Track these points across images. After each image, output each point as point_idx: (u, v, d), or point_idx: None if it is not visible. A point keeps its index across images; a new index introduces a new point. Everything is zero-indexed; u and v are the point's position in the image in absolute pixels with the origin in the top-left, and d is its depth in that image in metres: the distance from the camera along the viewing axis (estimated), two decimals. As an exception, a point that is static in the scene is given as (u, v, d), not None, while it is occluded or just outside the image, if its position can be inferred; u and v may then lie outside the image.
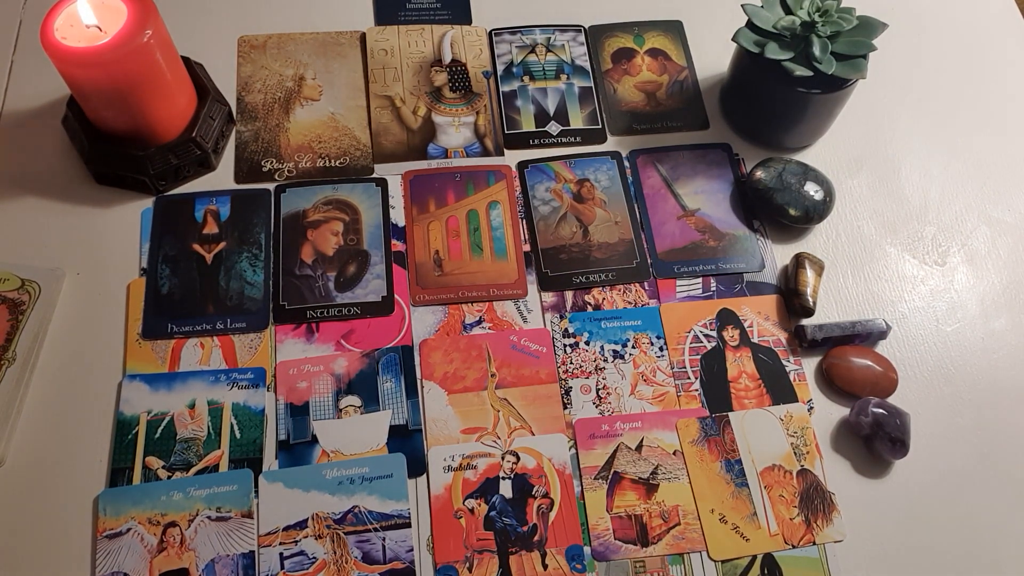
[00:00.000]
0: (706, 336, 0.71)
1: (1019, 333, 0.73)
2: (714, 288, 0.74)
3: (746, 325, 0.72)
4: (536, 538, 0.63)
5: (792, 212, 0.74)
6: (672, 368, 0.70)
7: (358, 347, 0.69)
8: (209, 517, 0.62)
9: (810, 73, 0.72)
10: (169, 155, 0.72)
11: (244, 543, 0.61)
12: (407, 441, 0.66)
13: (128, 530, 0.61)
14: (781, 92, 0.74)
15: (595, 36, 0.87)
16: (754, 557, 0.63)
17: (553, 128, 0.81)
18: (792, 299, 0.72)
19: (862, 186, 0.80)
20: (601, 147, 0.81)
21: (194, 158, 0.74)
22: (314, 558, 0.61)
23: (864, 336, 0.71)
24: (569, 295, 0.73)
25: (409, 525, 0.62)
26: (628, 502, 0.64)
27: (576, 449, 0.66)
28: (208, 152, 0.75)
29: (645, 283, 0.74)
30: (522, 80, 0.84)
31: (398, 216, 0.75)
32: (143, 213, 0.74)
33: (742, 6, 0.75)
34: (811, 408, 0.69)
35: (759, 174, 0.76)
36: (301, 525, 0.62)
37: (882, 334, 0.71)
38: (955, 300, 0.75)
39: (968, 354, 0.72)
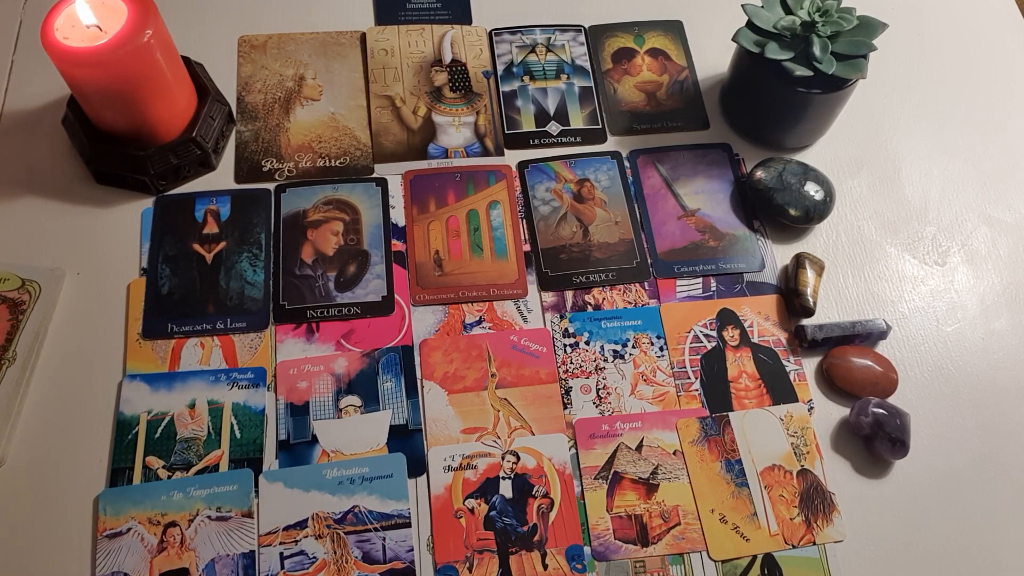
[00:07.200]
0: (706, 336, 0.71)
1: (1019, 333, 0.73)
2: (714, 288, 0.74)
3: (746, 325, 0.72)
4: (536, 538, 0.63)
5: (792, 212, 0.74)
6: (672, 368, 0.70)
7: (358, 347, 0.69)
8: (209, 517, 0.62)
9: (810, 73, 0.72)
10: (169, 155, 0.72)
11: (244, 543, 0.61)
12: (407, 441, 0.66)
13: (128, 530, 0.61)
14: (781, 92, 0.74)
15: (595, 36, 0.87)
16: (754, 557, 0.63)
17: (553, 128, 0.81)
18: (792, 299, 0.72)
19: (862, 186, 0.80)
20: (601, 147, 0.81)
21: (194, 158, 0.74)
22: (314, 558, 0.61)
23: (864, 336, 0.71)
24: (569, 295, 0.73)
25: (409, 525, 0.62)
26: (628, 502, 0.64)
27: (576, 449, 0.66)
28: (208, 152, 0.75)
29: (645, 283, 0.74)
30: (522, 80, 0.84)
31: (398, 216, 0.75)
32: (143, 213, 0.74)
33: (742, 6, 0.75)
34: (811, 408, 0.69)
35: (759, 174, 0.76)
36: (301, 525, 0.62)
37: (882, 334, 0.71)
38: (955, 300, 0.75)
39: (968, 354, 0.72)
